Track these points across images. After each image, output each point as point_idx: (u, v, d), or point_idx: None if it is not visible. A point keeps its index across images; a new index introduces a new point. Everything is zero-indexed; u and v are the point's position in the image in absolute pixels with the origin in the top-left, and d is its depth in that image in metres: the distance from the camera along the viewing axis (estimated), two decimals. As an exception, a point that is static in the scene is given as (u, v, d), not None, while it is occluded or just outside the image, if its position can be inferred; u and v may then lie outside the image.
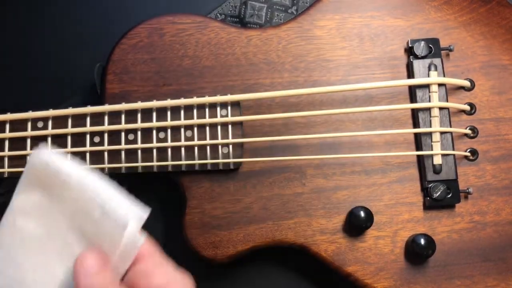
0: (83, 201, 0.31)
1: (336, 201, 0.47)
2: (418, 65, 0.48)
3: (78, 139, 0.47)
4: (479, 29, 0.50)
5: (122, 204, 0.30)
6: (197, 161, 0.47)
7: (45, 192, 0.32)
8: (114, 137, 0.47)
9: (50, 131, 0.47)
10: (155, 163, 0.47)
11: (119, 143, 0.47)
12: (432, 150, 0.47)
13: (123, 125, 0.47)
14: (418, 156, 0.48)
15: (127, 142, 0.47)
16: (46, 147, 0.33)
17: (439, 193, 0.46)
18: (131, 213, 0.30)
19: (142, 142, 0.47)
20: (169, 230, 0.52)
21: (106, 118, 0.47)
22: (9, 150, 0.47)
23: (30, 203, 0.32)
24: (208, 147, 0.47)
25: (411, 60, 0.48)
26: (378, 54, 0.49)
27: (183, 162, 0.47)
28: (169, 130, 0.48)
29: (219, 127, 0.47)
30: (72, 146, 0.47)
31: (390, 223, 0.47)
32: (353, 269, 0.46)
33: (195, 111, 0.47)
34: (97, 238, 0.31)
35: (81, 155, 0.47)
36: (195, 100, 0.48)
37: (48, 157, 0.31)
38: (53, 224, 0.32)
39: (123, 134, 0.47)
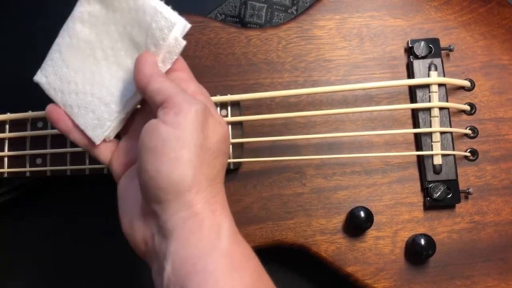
0: (136, 9, 0.36)
1: (336, 201, 0.47)
2: (418, 65, 0.48)
3: (78, 139, 0.47)
4: (479, 29, 0.50)
5: (170, 11, 0.36)
6: (197, 161, 0.47)
7: (104, 4, 0.37)
8: (114, 137, 0.47)
9: (50, 131, 0.47)
10: (155, 163, 0.47)
11: (119, 143, 0.47)
12: (432, 150, 0.47)
13: (123, 125, 0.47)
14: (418, 156, 0.48)
15: (127, 142, 0.47)
16: None
17: (439, 193, 0.46)
18: (177, 19, 0.36)
19: (142, 142, 0.47)
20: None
21: (106, 118, 0.47)
22: (9, 150, 0.47)
23: (89, 12, 0.38)
24: (208, 147, 0.47)
25: (411, 60, 0.48)
26: (378, 54, 0.49)
27: (183, 162, 0.47)
28: (169, 130, 0.47)
29: (219, 127, 0.47)
30: (72, 146, 0.47)
31: (390, 223, 0.47)
32: (353, 270, 0.46)
33: (195, 111, 0.47)
34: (146, 44, 0.36)
35: (81, 155, 0.47)
36: (195, 100, 0.47)
37: None
38: (106, 33, 0.38)
39: (123, 134, 0.47)
